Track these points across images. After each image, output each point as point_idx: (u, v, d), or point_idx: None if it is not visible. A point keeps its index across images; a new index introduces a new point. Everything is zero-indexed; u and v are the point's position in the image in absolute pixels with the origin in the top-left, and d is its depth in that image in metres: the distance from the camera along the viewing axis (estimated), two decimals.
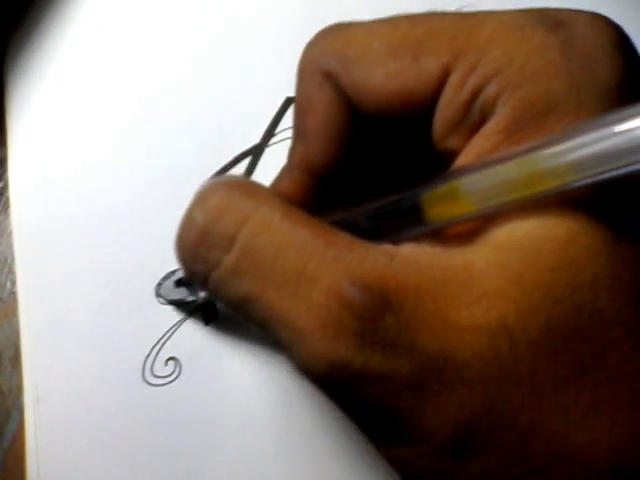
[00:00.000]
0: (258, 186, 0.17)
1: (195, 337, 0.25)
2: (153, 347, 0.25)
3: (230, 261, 0.16)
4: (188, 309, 0.25)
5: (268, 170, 0.25)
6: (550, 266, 0.14)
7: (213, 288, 0.17)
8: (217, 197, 0.16)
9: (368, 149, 0.19)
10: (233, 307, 0.17)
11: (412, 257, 0.15)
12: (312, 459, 0.24)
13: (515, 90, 0.15)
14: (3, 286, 0.26)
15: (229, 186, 0.17)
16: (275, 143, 0.27)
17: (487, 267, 0.15)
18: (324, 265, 0.15)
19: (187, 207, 0.17)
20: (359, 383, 0.15)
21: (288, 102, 0.27)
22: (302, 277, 0.15)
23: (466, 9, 0.17)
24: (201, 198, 0.17)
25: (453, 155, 0.17)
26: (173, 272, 0.25)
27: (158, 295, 0.25)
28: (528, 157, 0.14)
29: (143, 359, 0.24)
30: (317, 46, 0.18)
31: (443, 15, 0.17)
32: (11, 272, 0.26)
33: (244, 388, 0.24)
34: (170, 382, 0.24)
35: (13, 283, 0.26)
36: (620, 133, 0.13)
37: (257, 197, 0.16)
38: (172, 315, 0.25)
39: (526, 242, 0.15)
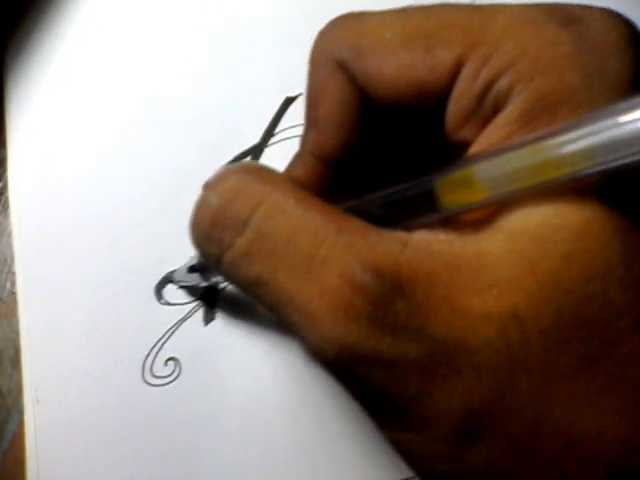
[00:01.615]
0: (272, 171, 0.17)
1: (195, 337, 0.25)
2: (153, 347, 0.25)
3: (243, 243, 0.16)
4: (199, 295, 0.25)
5: None
6: (563, 255, 0.14)
7: (226, 270, 0.17)
8: (232, 181, 0.17)
9: (380, 138, 0.19)
10: (245, 289, 0.17)
11: (425, 244, 0.15)
12: (312, 459, 0.24)
13: (528, 82, 0.15)
14: (3, 286, 0.26)
15: (244, 170, 0.17)
16: (274, 143, 0.27)
17: (500, 255, 0.15)
18: (337, 250, 0.15)
19: (202, 190, 0.17)
20: (369, 366, 0.15)
21: (288, 102, 0.27)
22: (314, 261, 0.15)
23: (478, 2, 0.17)
24: (216, 181, 0.17)
25: (466, 146, 0.17)
26: (173, 273, 0.25)
27: (158, 296, 0.25)
28: (541, 144, 0.14)
29: (143, 359, 0.24)
30: (329, 35, 0.18)
31: (455, 7, 0.17)
32: (11, 272, 0.26)
33: (244, 388, 0.24)
34: (170, 382, 0.24)
35: (13, 283, 0.26)
36: (632, 121, 0.13)
37: (271, 182, 0.16)
38: (172, 315, 0.25)
39: (539, 230, 0.15)
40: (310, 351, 0.15)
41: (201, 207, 0.17)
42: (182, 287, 0.25)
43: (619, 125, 0.13)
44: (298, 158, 0.19)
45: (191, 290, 0.25)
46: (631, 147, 0.13)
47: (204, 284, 0.24)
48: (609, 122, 0.14)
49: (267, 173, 0.17)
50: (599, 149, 0.14)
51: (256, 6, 0.28)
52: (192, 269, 0.24)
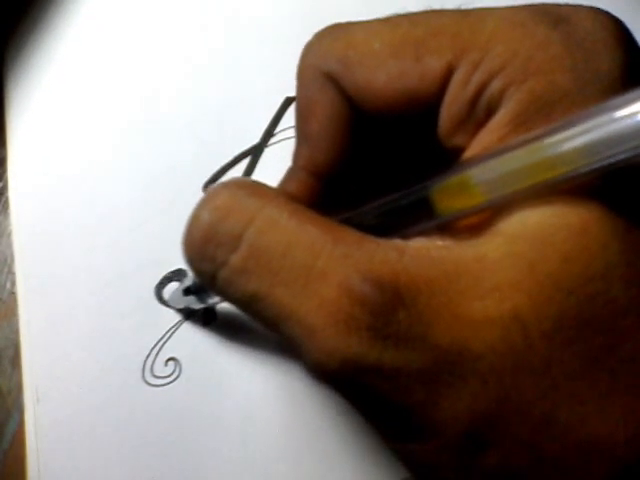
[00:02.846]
0: (264, 186, 0.17)
1: (195, 338, 0.25)
2: (153, 347, 0.25)
3: (237, 260, 0.16)
4: (187, 312, 0.25)
5: (267, 170, 0.25)
6: (563, 256, 0.14)
7: (221, 287, 0.17)
8: (223, 196, 0.16)
9: (373, 149, 0.19)
10: (241, 306, 0.17)
11: (423, 251, 0.15)
12: (312, 459, 0.24)
13: (520, 84, 0.15)
14: (3, 286, 0.26)
15: (235, 186, 0.17)
16: (274, 143, 0.27)
17: (499, 258, 0.15)
18: (334, 261, 0.15)
19: (194, 208, 0.17)
20: (372, 378, 0.15)
21: (287, 102, 0.27)
22: (311, 274, 0.15)
23: (464, 7, 0.17)
24: (207, 198, 0.17)
25: (459, 152, 0.17)
26: (173, 273, 0.25)
27: (158, 296, 0.25)
28: (537, 144, 0.14)
29: (143, 359, 0.24)
30: (317, 48, 0.18)
31: (443, 13, 0.17)
32: (11, 272, 0.26)
33: (244, 388, 0.24)
34: (170, 382, 0.24)
35: (13, 283, 0.26)
36: (627, 116, 0.13)
37: (264, 196, 0.16)
38: (172, 316, 0.25)
39: (538, 231, 0.15)
40: (311, 365, 0.15)
41: (192, 224, 0.17)
42: (177, 310, 0.25)
43: (615, 120, 0.13)
44: (291, 174, 0.19)
45: (186, 312, 0.25)
46: (628, 142, 0.13)
47: (200, 306, 0.24)
48: (605, 118, 0.14)
49: (259, 188, 0.17)
50: (596, 146, 0.14)
51: (256, 6, 0.28)
52: (187, 291, 0.24)
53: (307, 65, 0.18)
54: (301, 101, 0.19)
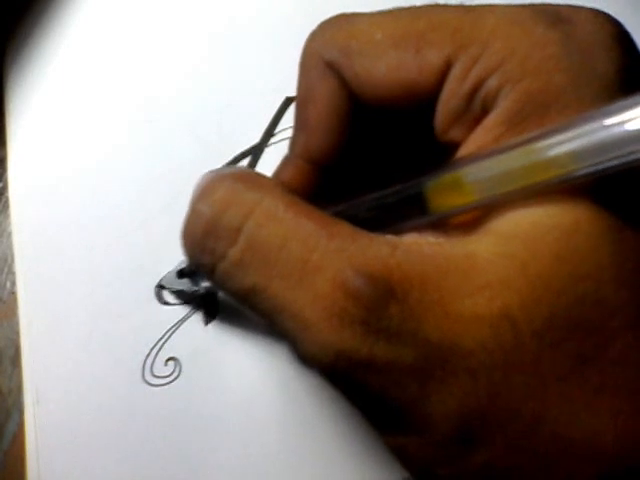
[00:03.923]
0: (262, 177, 0.17)
1: (195, 337, 0.25)
2: (153, 347, 0.25)
3: (236, 253, 0.16)
4: (190, 299, 0.25)
5: (267, 170, 0.25)
6: (554, 256, 0.14)
7: (219, 280, 0.17)
8: (223, 189, 0.17)
9: (370, 140, 0.19)
10: (239, 299, 0.17)
11: (415, 247, 0.15)
12: (312, 458, 0.24)
13: (516, 83, 0.15)
14: (3, 286, 0.26)
15: (234, 178, 0.17)
16: (274, 143, 0.27)
17: (490, 257, 0.15)
18: (328, 255, 0.15)
19: (191, 199, 0.17)
20: (364, 371, 0.15)
21: (287, 102, 0.27)
22: (307, 268, 0.15)
23: (467, 3, 0.17)
24: (206, 190, 0.17)
25: (455, 146, 0.17)
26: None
27: (158, 296, 0.25)
28: (530, 147, 0.15)
29: (143, 359, 0.24)
30: (320, 37, 0.18)
31: (445, 7, 0.17)
32: (11, 272, 0.26)
33: (244, 388, 0.24)
34: (170, 382, 0.24)
35: (13, 283, 0.26)
36: (619, 123, 0.13)
37: (261, 188, 0.16)
38: (172, 315, 0.25)
39: (530, 231, 0.15)
40: (305, 358, 0.15)
41: (192, 218, 0.17)
42: (171, 292, 0.25)
43: (606, 128, 0.13)
44: (287, 161, 0.19)
45: (181, 295, 0.25)
46: (618, 149, 0.13)
47: (194, 289, 0.24)
48: (596, 125, 0.14)
49: (257, 179, 0.17)
50: (587, 151, 0.14)
51: (255, 6, 0.28)
52: (181, 274, 0.24)
53: (309, 53, 0.18)
54: (301, 88, 0.19)
